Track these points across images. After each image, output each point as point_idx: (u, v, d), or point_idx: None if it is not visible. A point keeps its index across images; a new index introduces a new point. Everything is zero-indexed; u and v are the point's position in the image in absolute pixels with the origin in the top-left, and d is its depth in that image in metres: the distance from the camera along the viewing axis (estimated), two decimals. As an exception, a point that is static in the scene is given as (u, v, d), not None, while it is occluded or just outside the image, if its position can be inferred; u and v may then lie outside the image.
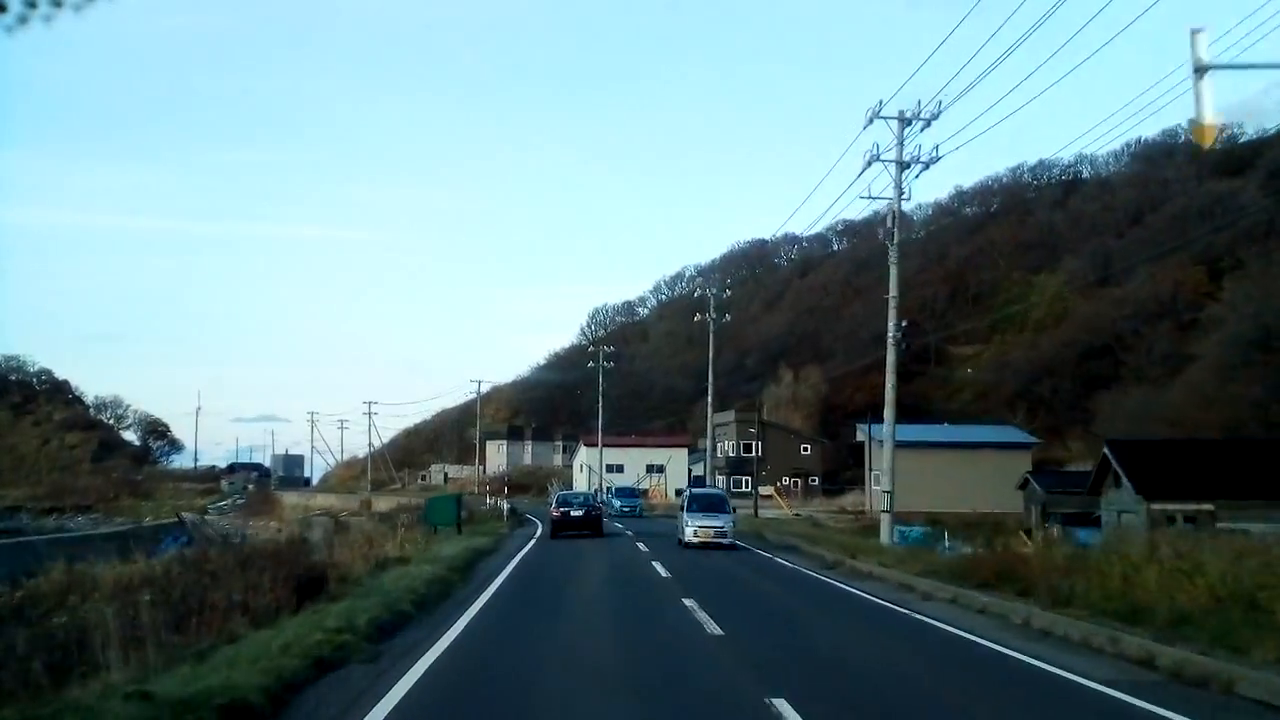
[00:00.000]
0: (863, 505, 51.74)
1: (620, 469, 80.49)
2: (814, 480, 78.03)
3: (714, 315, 47.17)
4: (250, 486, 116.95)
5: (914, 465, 41.61)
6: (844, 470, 77.38)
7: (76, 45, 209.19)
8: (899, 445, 28.41)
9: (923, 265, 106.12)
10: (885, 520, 27.38)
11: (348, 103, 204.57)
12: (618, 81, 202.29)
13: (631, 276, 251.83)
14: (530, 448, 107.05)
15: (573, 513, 34.76)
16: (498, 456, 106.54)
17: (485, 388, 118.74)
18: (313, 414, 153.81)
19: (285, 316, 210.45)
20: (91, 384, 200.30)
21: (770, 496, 53.99)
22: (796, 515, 48.41)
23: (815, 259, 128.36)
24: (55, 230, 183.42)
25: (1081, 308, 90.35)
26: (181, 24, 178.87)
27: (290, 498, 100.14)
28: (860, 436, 52.21)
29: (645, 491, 57.19)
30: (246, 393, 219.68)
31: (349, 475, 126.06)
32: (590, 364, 73.29)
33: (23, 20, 4.17)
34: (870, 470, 45.04)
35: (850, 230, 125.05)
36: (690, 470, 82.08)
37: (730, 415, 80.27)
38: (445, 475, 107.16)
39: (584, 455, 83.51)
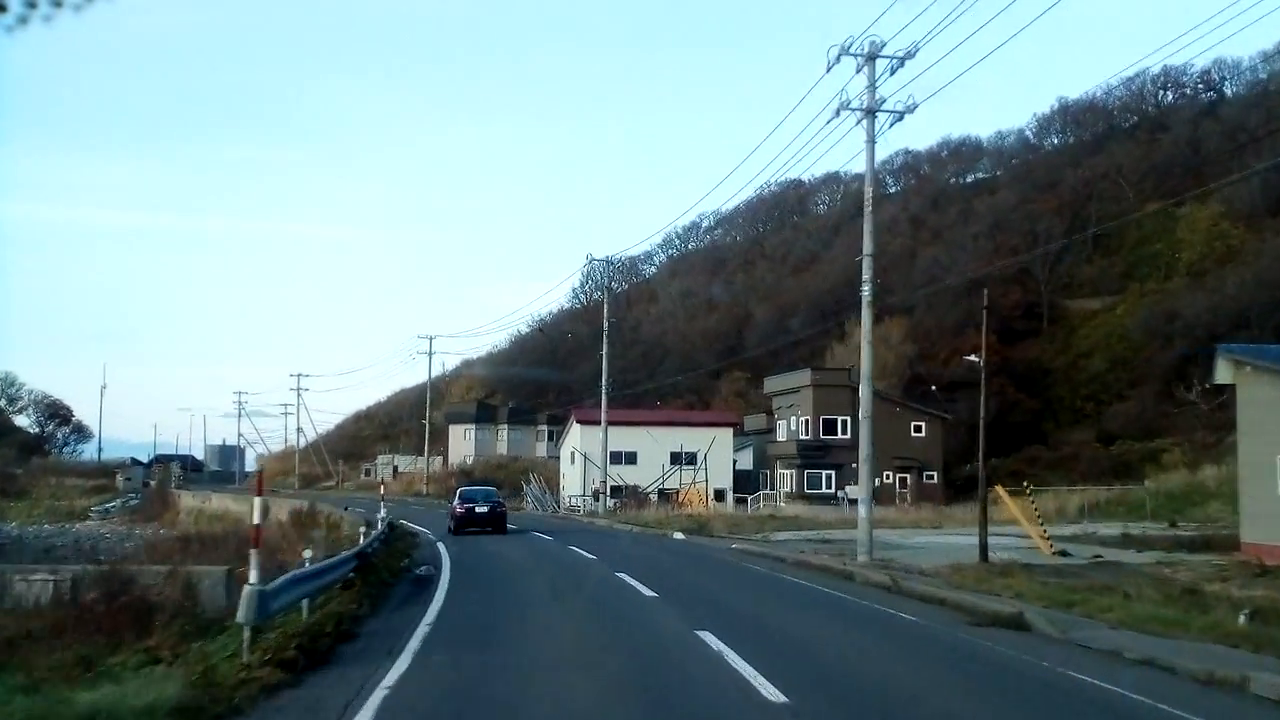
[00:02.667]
0: (1223, 522, 25.03)
1: (632, 458, 54.19)
2: (930, 476, 52.51)
3: (872, 138, 22.11)
4: (151, 483, 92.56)
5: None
6: (963, 463, 51.74)
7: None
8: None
9: (1025, 195, 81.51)
10: None
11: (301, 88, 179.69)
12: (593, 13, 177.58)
13: (634, 232, 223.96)
14: (505, 433, 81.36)
15: (477, 509, 34.03)
16: (464, 444, 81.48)
17: (454, 361, 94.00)
18: (240, 394, 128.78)
19: (211, 299, 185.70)
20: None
21: (996, 502, 25.38)
22: (1061, 553, 23.15)
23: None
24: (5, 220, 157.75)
25: (1255, 244, 67.11)
26: None
27: (187, 499, 76.83)
28: (1223, 375, 23.88)
29: None
30: (189, 380, 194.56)
31: (281, 470, 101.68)
32: (593, 298, 48.10)
33: (23, 20, 4.08)
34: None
35: (911, 166, 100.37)
36: (735, 461, 56.76)
37: (805, 376, 54.69)
38: (394, 469, 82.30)
39: (577, 438, 57.17)
